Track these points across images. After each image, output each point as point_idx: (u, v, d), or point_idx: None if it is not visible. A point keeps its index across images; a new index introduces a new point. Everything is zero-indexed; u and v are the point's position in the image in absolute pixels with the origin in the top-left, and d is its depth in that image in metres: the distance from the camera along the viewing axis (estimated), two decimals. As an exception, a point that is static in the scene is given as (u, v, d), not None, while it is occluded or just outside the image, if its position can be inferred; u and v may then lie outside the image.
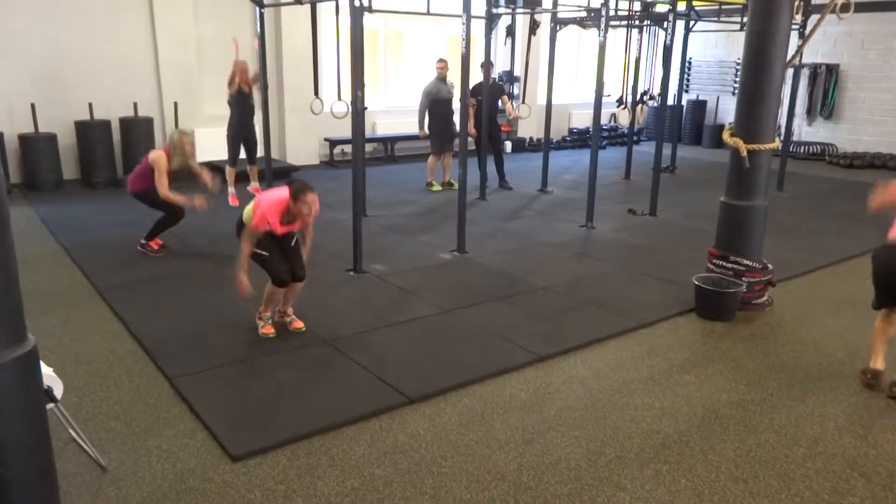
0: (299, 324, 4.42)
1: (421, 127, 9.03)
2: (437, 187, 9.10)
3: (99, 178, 8.63)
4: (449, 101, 8.96)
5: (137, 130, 8.90)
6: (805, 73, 12.22)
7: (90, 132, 8.60)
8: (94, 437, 3.14)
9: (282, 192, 4.12)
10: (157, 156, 5.70)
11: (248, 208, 4.24)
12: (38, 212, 7.30)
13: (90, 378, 3.77)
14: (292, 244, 4.34)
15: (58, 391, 2.72)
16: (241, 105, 7.68)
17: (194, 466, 3.01)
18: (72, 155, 8.75)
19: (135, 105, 8.96)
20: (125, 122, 8.89)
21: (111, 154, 8.79)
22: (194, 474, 2.95)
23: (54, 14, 8.37)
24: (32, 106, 8.17)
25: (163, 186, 5.65)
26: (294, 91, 10.08)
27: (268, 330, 4.31)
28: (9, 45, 7.70)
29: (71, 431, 2.96)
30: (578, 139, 13.64)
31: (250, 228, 4.10)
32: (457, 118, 9.11)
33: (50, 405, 2.60)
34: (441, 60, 8.90)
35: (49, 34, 8.38)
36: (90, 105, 8.55)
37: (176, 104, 9.17)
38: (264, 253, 4.18)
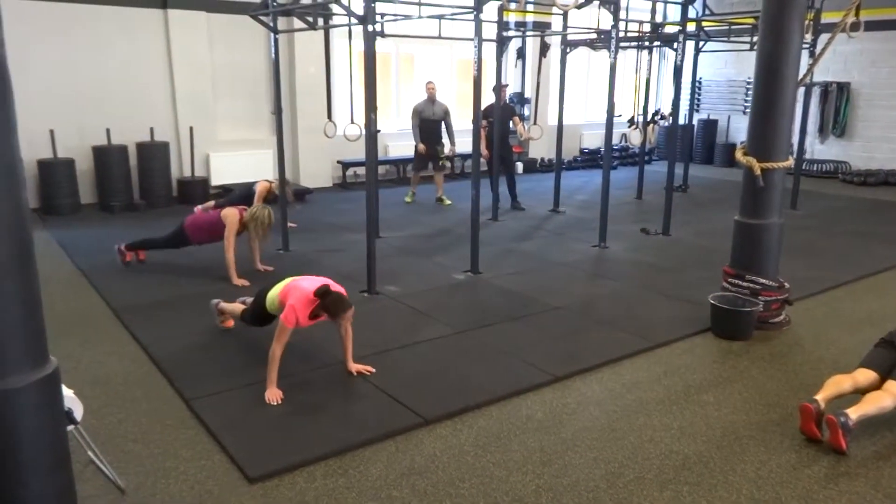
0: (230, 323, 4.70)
1: (418, 142, 9.38)
2: (408, 198, 9.67)
3: (116, 203, 8.73)
4: (436, 122, 9.34)
5: (154, 155, 9.03)
6: (816, 91, 12.22)
7: (107, 157, 8.73)
8: (113, 458, 3.14)
9: (312, 285, 3.87)
10: (231, 215, 5.78)
11: (273, 293, 4.07)
12: (55, 236, 7.39)
13: (108, 400, 3.79)
14: None
15: (78, 413, 2.74)
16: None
17: (212, 488, 3.01)
18: (89, 179, 8.88)
19: (151, 130, 9.09)
20: (142, 147, 9.03)
21: (128, 178, 8.91)
22: (212, 496, 2.95)
23: (72, 42, 8.55)
24: (51, 132, 8.33)
25: (230, 246, 5.74)
26: (307, 115, 10.20)
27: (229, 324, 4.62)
28: (29, 73, 7.85)
29: (90, 453, 2.97)
30: (589, 159, 13.67)
31: (282, 325, 3.79)
32: (447, 139, 9.46)
33: (70, 427, 2.62)
34: (430, 82, 9.32)
35: (68, 62, 8.55)
36: (107, 130, 8.70)
37: (191, 129, 9.31)
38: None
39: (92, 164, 8.82)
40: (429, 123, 9.28)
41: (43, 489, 2.26)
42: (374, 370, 4.13)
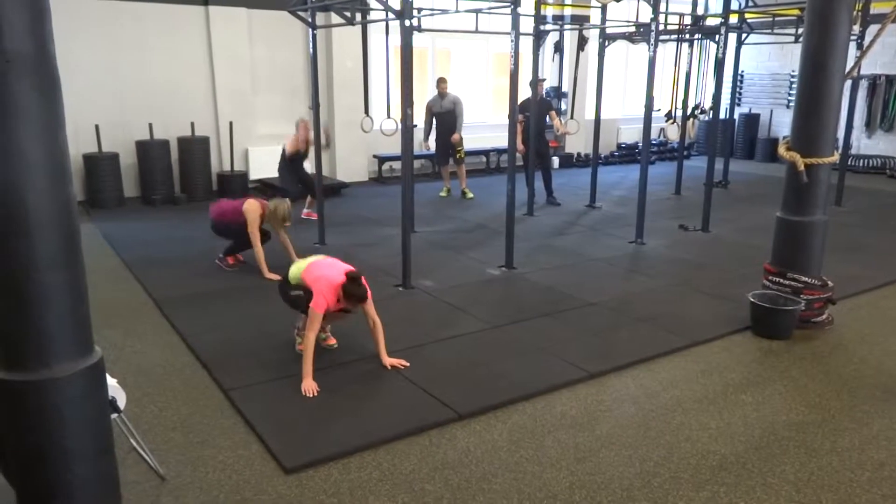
0: (332, 341, 4.43)
1: (426, 139, 9.56)
2: (443, 192, 9.79)
3: (158, 196, 8.92)
4: (446, 114, 9.41)
5: (194, 149, 9.20)
6: (864, 84, 11.86)
7: (150, 151, 8.92)
8: (154, 446, 3.23)
9: (339, 272, 3.96)
10: (253, 209, 5.81)
11: (296, 268, 4.15)
12: (100, 228, 7.58)
13: (150, 389, 3.89)
14: None
15: (121, 401, 2.82)
16: (296, 165, 7.85)
17: (249, 478, 3.07)
18: (132, 173, 9.09)
19: (192, 125, 9.26)
20: (183, 142, 9.21)
21: (169, 172, 9.10)
22: (249, 485, 3.01)
23: (117, 39, 8.75)
24: (96, 127, 8.54)
25: (256, 241, 5.81)
26: (344, 109, 10.27)
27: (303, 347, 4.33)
28: (75, 69, 8.06)
29: (132, 441, 3.06)
30: (627, 154, 13.50)
31: (313, 311, 3.83)
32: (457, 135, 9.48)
33: (114, 415, 2.70)
34: (443, 80, 9.42)
35: (112, 58, 8.76)
36: (150, 125, 8.89)
37: (231, 124, 9.45)
38: (301, 293, 4.07)
39: (135, 158, 9.03)
40: (441, 116, 9.42)
41: (88, 475, 2.33)
42: (408, 364, 4.15)
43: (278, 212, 5.81)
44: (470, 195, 9.65)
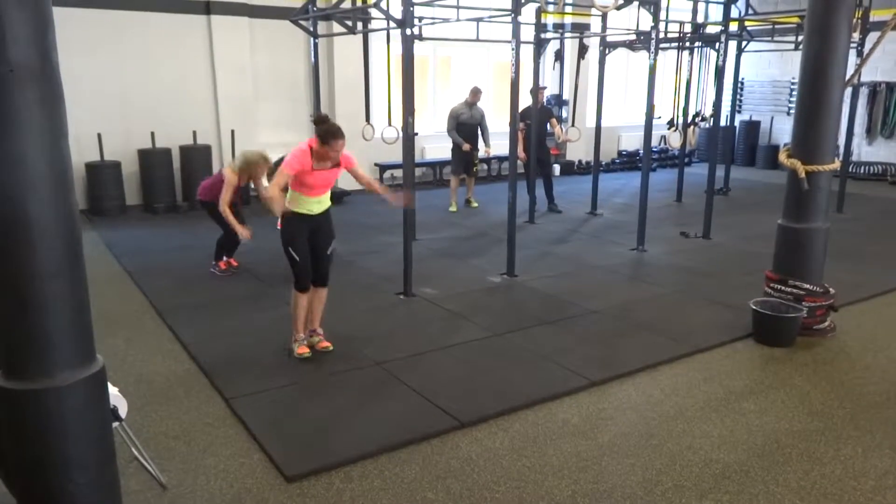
0: (326, 344, 4.46)
1: (461, 143, 9.12)
2: (453, 207, 9.42)
3: (160, 204, 8.94)
4: (473, 126, 9.15)
5: (196, 157, 9.21)
6: (864, 91, 11.88)
7: (152, 159, 8.95)
8: (155, 455, 3.22)
9: (306, 141, 4.14)
10: (230, 171, 5.90)
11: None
12: (102, 236, 7.59)
13: (151, 398, 3.89)
14: (328, 252, 4.39)
15: (122, 410, 2.82)
16: None
17: (251, 486, 3.06)
18: (134, 182, 9.11)
19: (194, 133, 9.29)
20: (185, 150, 9.23)
21: (171, 181, 9.13)
22: (251, 494, 3.00)
23: (119, 48, 8.79)
24: (99, 135, 8.56)
25: (224, 200, 5.81)
26: (346, 117, 10.26)
27: (303, 350, 4.36)
28: (77, 78, 8.08)
29: (133, 450, 3.06)
30: (628, 162, 13.52)
31: (280, 170, 4.05)
32: (482, 143, 9.32)
33: (115, 424, 2.69)
34: (478, 89, 9.08)
35: (114, 67, 8.79)
36: (152, 134, 8.91)
37: (233, 132, 9.47)
38: (296, 256, 4.23)
39: (137, 166, 9.05)
40: (467, 127, 9.15)
41: (89, 483, 2.32)
42: (406, 202, 4.50)
43: (248, 157, 5.86)
44: (475, 204, 9.64)
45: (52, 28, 2.08)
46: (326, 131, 4.02)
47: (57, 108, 2.11)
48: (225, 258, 6.25)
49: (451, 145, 9.27)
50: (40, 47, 2.04)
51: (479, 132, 9.33)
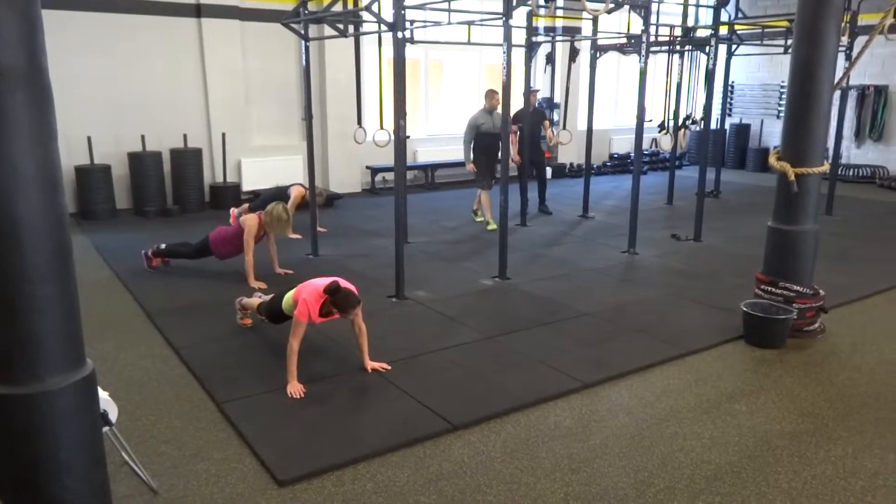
0: (247, 321, 4.93)
1: (468, 160, 8.20)
2: (493, 225, 8.07)
3: (150, 208, 8.89)
4: (496, 136, 7.70)
5: (187, 161, 9.18)
6: (853, 94, 11.98)
7: (142, 163, 8.90)
8: (146, 460, 3.20)
9: (322, 283, 4.01)
10: (251, 220, 5.89)
11: (288, 296, 4.22)
12: (92, 240, 7.55)
13: (142, 402, 3.86)
14: None
15: (112, 415, 2.80)
16: None
17: (242, 491, 3.04)
18: (125, 185, 9.06)
19: (185, 137, 9.25)
20: (175, 153, 9.18)
21: (162, 184, 9.07)
22: (242, 498, 2.99)
23: (109, 51, 8.74)
24: (88, 139, 8.52)
25: (248, 246, 5.82)
26: (337, 120, 10.31)
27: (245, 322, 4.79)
28: (67, 81, 8.05)
29: (124, 455, 3.03)
30: (619, 164, 13.56)
31: (297, 320, 3.96)
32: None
33: (105, 428, 2.67)
34: (495, 92, 7.81)
35: (104, 70, 8.74)
36: (142, 137, 8.87)
37: (224, 135, 9.45)
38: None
39: (127, 170, 9.00)
40: (488, 137, 7.95)
41: (79, 488, 2.30)
42: (390, 367, 4.21)
43: (274, 213, 5.85)
44: (480, 219, 8.76)
45: (40, 30, 2.07)
46: (346, 302, 3.93)
47: (46, 111, 2.10)
48: (163, 260, 6.37)
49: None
50: (29, 50, 2.03)
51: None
